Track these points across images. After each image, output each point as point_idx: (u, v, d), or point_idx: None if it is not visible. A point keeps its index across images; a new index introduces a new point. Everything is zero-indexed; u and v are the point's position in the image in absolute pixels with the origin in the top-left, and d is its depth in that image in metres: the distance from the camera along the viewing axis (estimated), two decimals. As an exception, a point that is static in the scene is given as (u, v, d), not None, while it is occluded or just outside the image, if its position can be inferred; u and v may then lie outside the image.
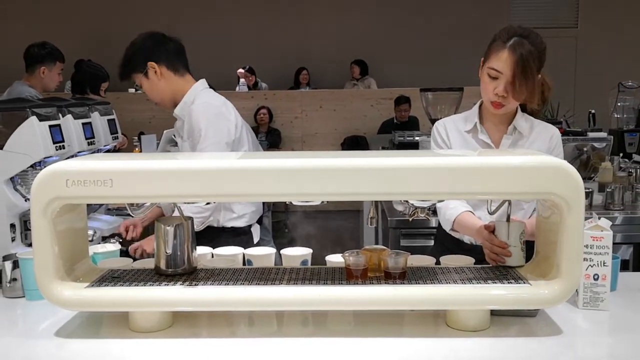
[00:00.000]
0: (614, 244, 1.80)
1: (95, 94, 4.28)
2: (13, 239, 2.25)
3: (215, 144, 2.48)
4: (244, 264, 1.99)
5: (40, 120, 2.27)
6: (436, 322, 1.70)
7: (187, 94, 2.61)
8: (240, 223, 2.65)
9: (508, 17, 10.18)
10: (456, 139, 2.27)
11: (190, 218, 1.77)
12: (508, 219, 1.81)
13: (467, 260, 1.90)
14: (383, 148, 5.84)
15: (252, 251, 2.00)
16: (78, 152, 2.58)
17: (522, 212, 2.23)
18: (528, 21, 9.92)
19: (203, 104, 2.56)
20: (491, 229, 1.86)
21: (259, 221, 2.78)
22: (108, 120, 2.98)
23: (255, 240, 2.69)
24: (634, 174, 3.85)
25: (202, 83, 2.68)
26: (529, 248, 1.82)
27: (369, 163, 1.57)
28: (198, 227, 2.45)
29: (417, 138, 4.71)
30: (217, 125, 2.52)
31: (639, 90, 5.26)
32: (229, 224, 2.64)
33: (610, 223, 1.80)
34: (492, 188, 1.56)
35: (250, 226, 2.69)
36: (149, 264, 1.83)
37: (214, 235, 2.57)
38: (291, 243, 2.18)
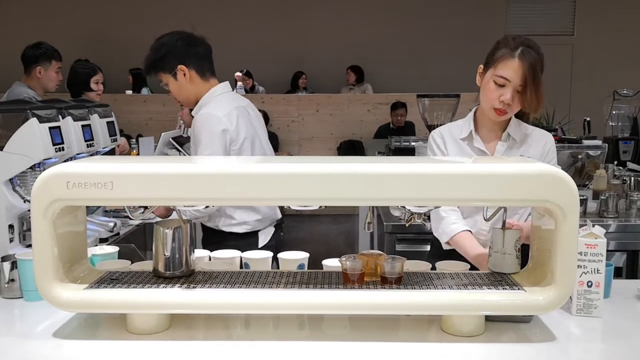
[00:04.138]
0: (607, 251, 1.81)
1: (89, 91, 4.20)
2: (11, 240, 2.26)
3: (211, 155, 2.50)
4: (241, 267, 2.01)
5: (41, 122, 2.28)
6: (431, 327, 1.71)
7: (204, 97, 2.63)
8: (239, 229, 2.65)
9: (504, 24, 10.23)
10: (452, 147, 2.30)
11: (189, 221, 1.79)
12: (503, 226, 1.82)
13: (462, 266, 1.92)
14: (379, 153, 5.86)
15: (249, 255, 2.02)
16: (77, 154, 2.59)
17: (517, 217, 2.25)
18: (524, 28, 9.98)
19: (205, 115, 2.57)
20: None
21: (277, 226, 2.83)
22: (107, 122, 2.99)
23: (261, 243, 2.69)
24: (628, 182, 3.88)
25: (222, 87, 2.68)
26: (524, 254, 1.84)
27: (367, 169, 1.59)
28: None
29: (413, 143, 4.72)
30: (213, 138, 2.52)
31: (634, 99, 5.30)
32: (227, 229, 2.64)
33: (605, 231, 1.82)
34: (488, 195, 1.58)
35: (256, 232, 2.70)
36: (147, 266, 1.85)
37: (214, 237, 2.63)
38: (287, 247, 2.19)
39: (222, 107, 2.61)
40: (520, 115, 2.28)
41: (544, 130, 2.36)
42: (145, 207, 1.77)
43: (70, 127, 2.58)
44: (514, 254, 1.79)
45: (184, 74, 2.59)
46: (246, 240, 2.62)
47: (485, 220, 1.88)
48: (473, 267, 1.92)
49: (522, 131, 2.27)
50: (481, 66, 2.23)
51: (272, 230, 2.78)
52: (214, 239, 2.62)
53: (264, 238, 2.72)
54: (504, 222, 1.83)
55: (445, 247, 2.31)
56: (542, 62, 2.13)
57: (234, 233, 2.64)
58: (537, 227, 1.76)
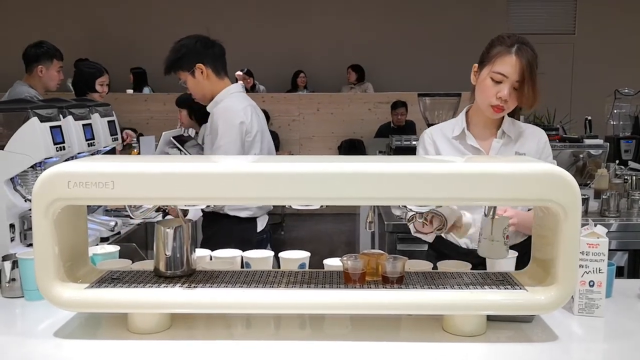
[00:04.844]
0: (609, 250, 1.81)
1: (93, 92, 4.18)
2: (12, 239, 2.27)
3: (228, 144, 2.73)
4: (242, 266, 2.01)
5: (42, 121, 2.28)
6: (433, 326, 1.71)
7: (219, 94, 2.87)
8: (243, 214, 2.83)
9: (506, 23, 10.21)
10: (444, 146, 2.30)
11: (190, 220, 1.78)
12: (493, 214, 1.82)
13: (464, 266, 1.92)
14: (380, 152, 5.86)
15: (250, 254, 2.01)
16: (78, 154, 2.59)
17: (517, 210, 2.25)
18: (525, 27, 9.96)
19: (223, 108, 2.82)
20: None
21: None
22: (108, 121, 2.99)
23: (259, 228, 2.90)
24: (630, 181, 3.88)
25: (236, 87, 2.94)
26: (526, 251, 1.83)
27: (368, 168, 1.58)
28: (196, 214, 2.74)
29: (414, 142, 4.74)
30: (231, 129, 2.75)
31: (635, 98, 5.28)
32: (232, 213, 2.81)
33: (606, 230, 1.82)
34: (490, 194, 1.58)
35: (254, 218, 2.89)
36: (148, 265, 1.84)
37: (217, 220, 2.80)
38: (288, 246, 2.19)
39: (238, 102, 2.86)
40: (511, 114, 2.30)
41: (540, 128, 2.37)
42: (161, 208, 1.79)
43: (71, 127, 2.58)
44: (502, 241, 1.79)
45: (202, 72, 2.83)
46: (246, 225, 2.83)
47: (485, 217, 1.88)
48: (474, 267, 1.92)
49: (516, 128, 2.29)
50: (476, 65, 2.25)
51: (267, 217, 3.00)
52: (217, 222, 2.80)
53: (261, 224, 2.93)
54: (494, 210, 1.83)
55: (420, 236, 2.33)
56: (536, 59, 2.16)
57: (237, 217, 2.82)
58: (539, 226, 1.76)
